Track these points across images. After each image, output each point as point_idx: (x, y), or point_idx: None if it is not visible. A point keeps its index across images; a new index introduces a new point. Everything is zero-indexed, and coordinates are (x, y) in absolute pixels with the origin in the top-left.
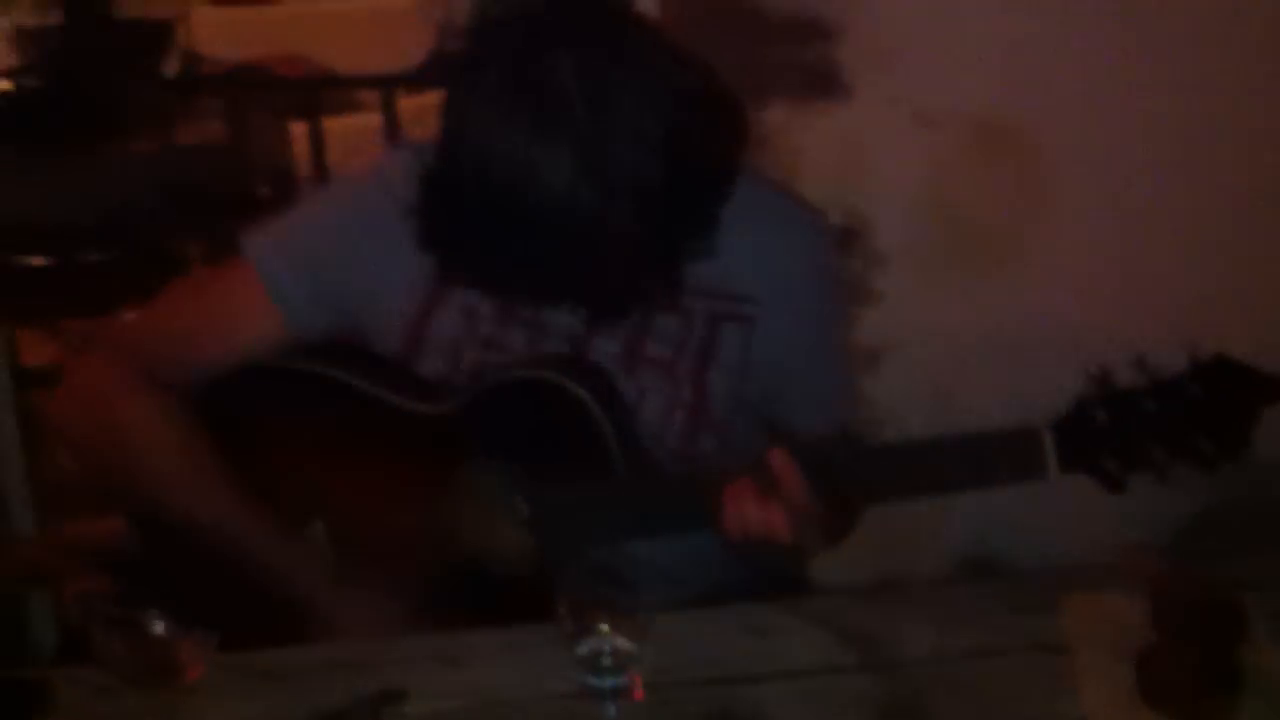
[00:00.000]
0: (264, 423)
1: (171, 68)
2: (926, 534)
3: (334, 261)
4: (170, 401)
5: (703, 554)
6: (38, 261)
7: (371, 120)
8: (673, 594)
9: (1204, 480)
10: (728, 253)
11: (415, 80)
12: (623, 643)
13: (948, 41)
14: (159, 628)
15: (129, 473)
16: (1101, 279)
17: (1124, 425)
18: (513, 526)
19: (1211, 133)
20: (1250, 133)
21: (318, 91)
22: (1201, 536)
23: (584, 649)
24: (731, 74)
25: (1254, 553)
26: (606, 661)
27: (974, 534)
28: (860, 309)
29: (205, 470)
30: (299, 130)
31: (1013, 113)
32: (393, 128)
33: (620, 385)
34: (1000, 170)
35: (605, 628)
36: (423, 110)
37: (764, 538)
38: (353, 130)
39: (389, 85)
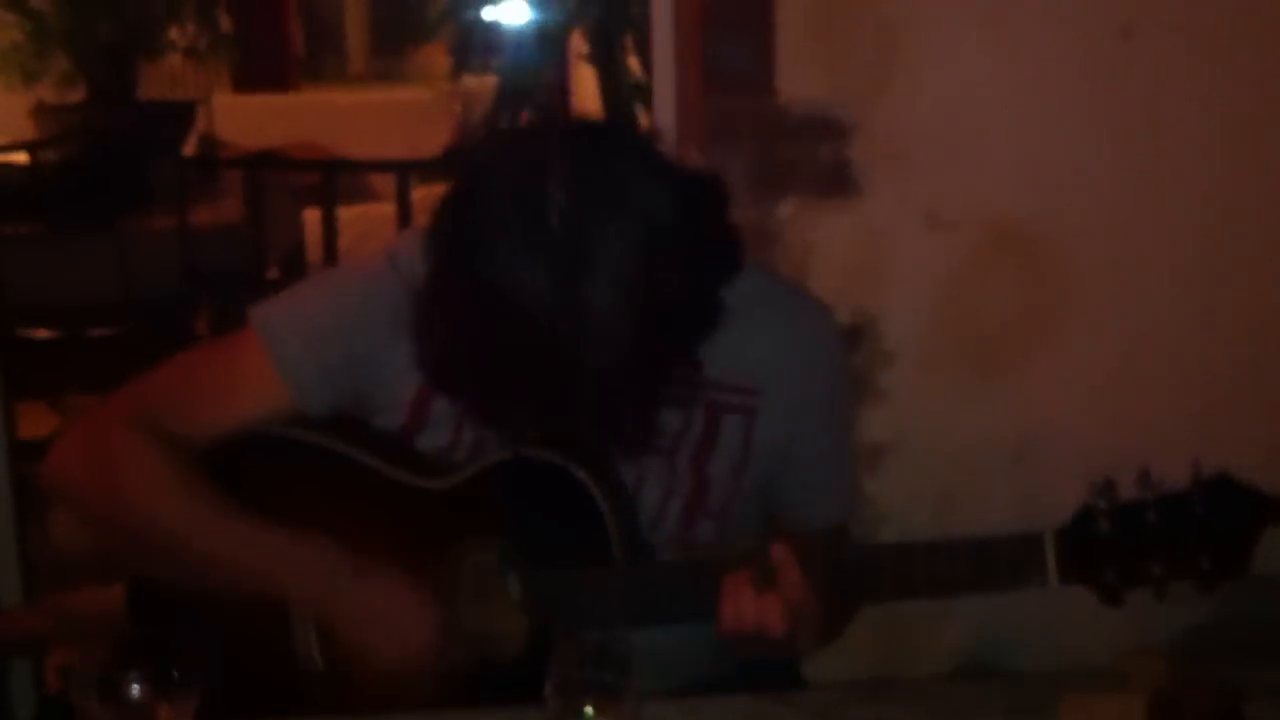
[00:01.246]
0: (258, 491)
1: (190, 150)
2: (924, 634)
3: (341, 337)
4: (172, 449)
5: (697, 642)
6: (42, 334)
7: (384, 209)
8: (664, 681)
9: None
10: (731, 344)
11: (430, 168)
12: None
13: (962, 144)
14: (136, 690)
15: (131, 520)
16: (1111, 387)
17: (1126, 538)
18: (507, 606)
19: (1231, 240)
20: (1268, 243)
21: (334, 177)
22: (1201, 645)
23: None
24: (746, 170)
25: (1253, 665)
26: None
27: (972, 635)
28: (865, 407)
29: (208, 502)
30: (311, 216)
31: (1026, 217)
32: (406, 215)
33: (620, 470)
34: (1012, 273)
35: (590, 711)
36: (435, 199)
37: (758, 632)
38: (365, 218)
39: (404, 170)
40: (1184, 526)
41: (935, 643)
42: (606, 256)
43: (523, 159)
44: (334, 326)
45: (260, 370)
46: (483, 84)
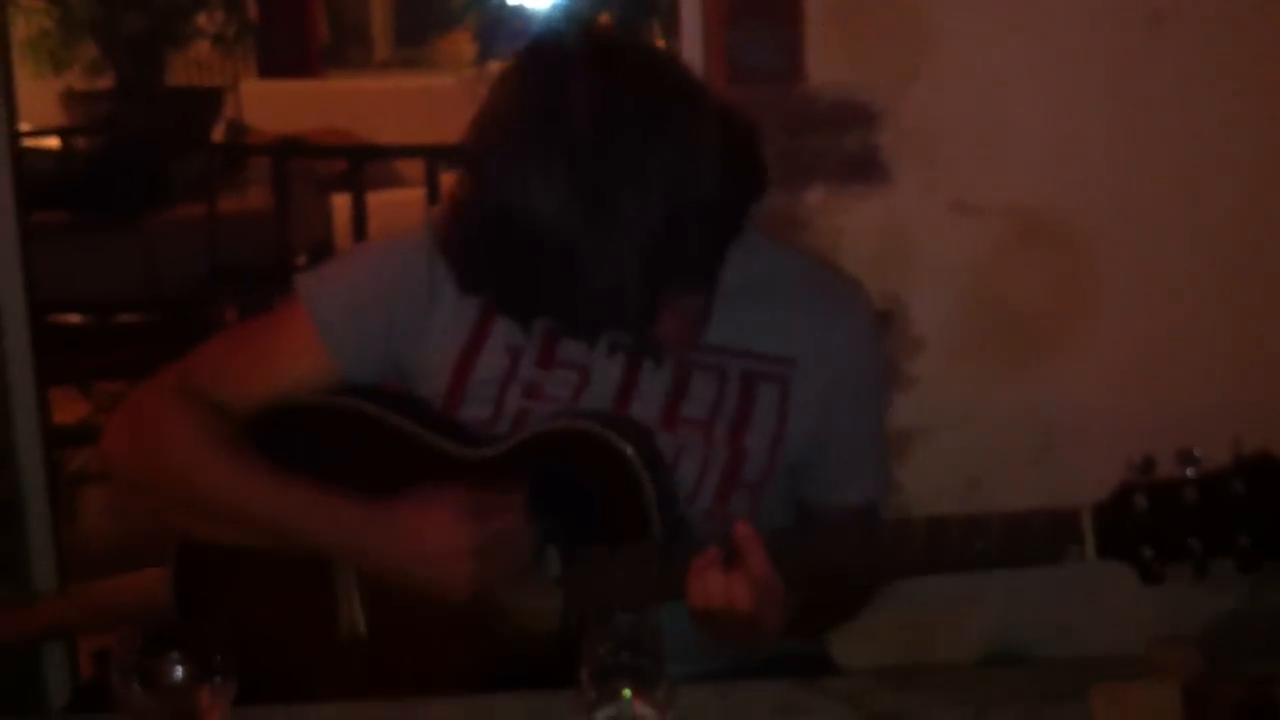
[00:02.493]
0: (300, 458)
1: (218, 136)
2: (950, 622)
3: (382, 304)
4: (213, 411)
5: None
6: (74, 319)
7: (411, 195)
8: (696, 665)
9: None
10: (768, 317)
11: (458, 153)
12: (645, 711)
13: (990, 132)
14: (178, 673)
15: (172, 478)
16: (1140, 375)
17: (1164, 515)
18: (544, 582)
19: (1259, 229)
20: None
21: (361, 164)
22: (1232, 636)
23: (604, 716)
24: (774, 158)
25: None
26: None
27: (998, 624)
28: (894, 393)
29: (243, 458)
30: (339, 203)
31: (1054, 204)
32: (435, 200)
33: (659, 442)
34: (1040, 260)
35: (628, 694)
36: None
37: (725, 608)
38: (393, 204)
39: (433, 156)
40: (1223, 504)
41: (961, 631)
42: (634, 166)
43: (553, 73)
44: (375, 293)
45: (305, 337)
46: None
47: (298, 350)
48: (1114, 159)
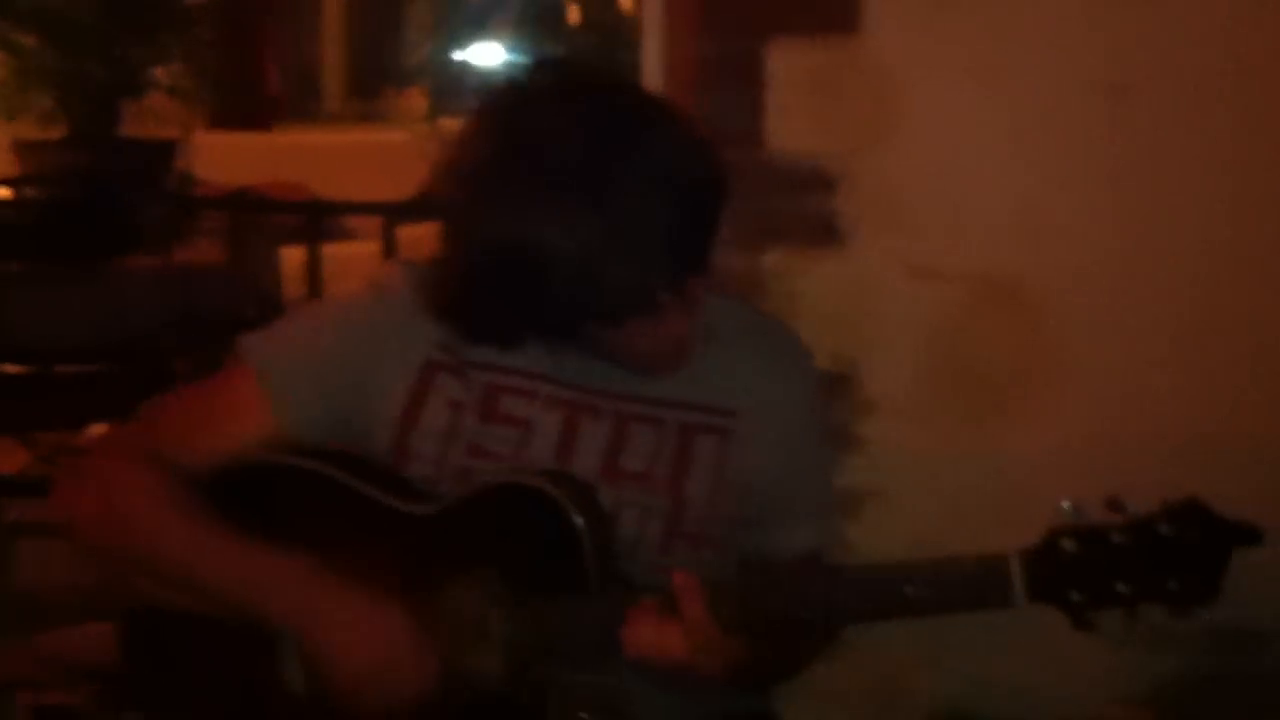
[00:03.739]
0: (250, 517)
1: (171, 188)
2: (907, 684)
3: (326, 363)
4: (167, 472)
5: (673, 689)
6: (12, 370)
7: (362, 248)
8: None
9: (1190, 642)
10: (708, 367)
11: (415, 211)
12: None
13: (949, 198)
14: None
15: (135, 546)
16: (1095, 443)
17: (1092, 559)
18: (489, 642)
19: (1217, 300)
20: (1258, 300)
21: (318, 218)
22: (1184, 699)
23: None
24: (733, 219)
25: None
26: None
27: (957, 686)
28: (846, 455)
29: (205, 526)
30: (289, 255)
31: (1012, 271)
32: (391, 256)
33: (600, 496)
34: (997, 326)
35: None
36: (419, 240)
37: (659, 658)
38: (346, 258)
39: (389, 213)
40: (1151, 548)
41: (917, 693)
42: (631, 161)
43: (531, 101)
44: (319, 352)
45: (250, 398)
46: (459, 125)
47: (243, 410)
48: (1072, 226)
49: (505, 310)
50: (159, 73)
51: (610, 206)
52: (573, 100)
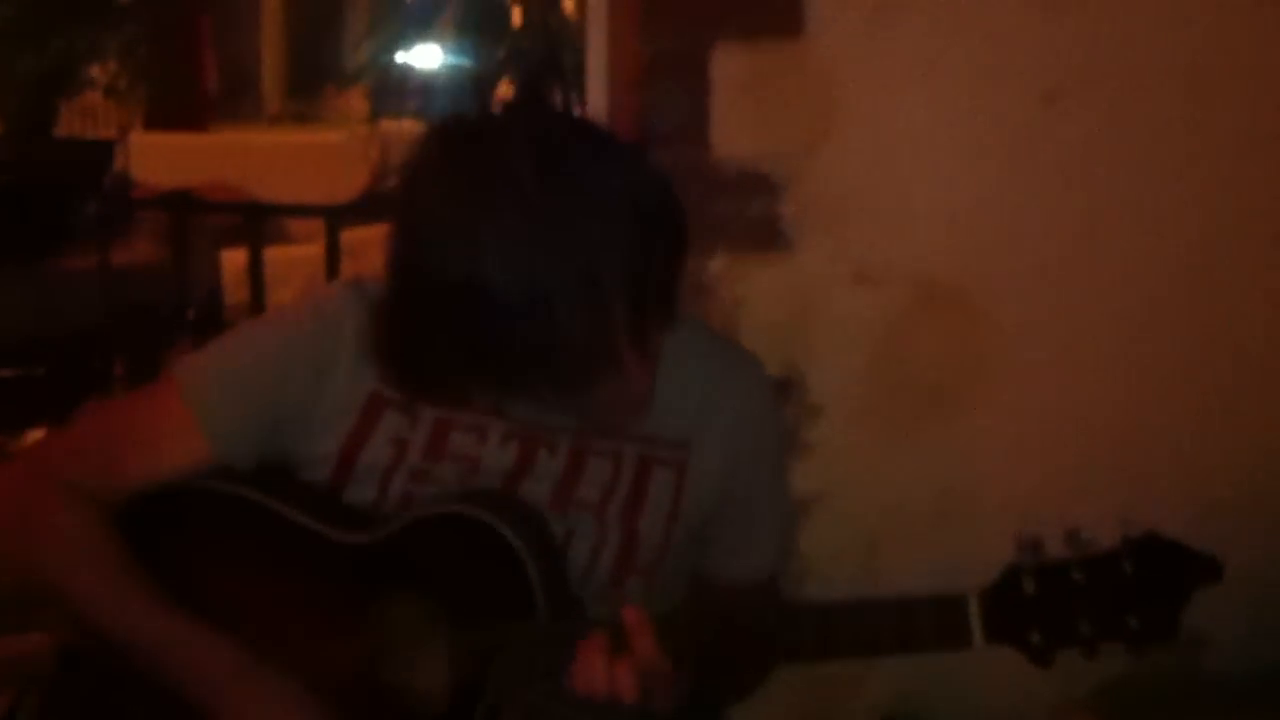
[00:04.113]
0: (178, 545)
1: (108, 188)
2: (847, 688)
3: (262, 388)
4: (90, 513)
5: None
6: None
7: (301, 251)
8: None
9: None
10: (663, 396)
11: (357, 212)
12: None
13: (891, 202)
14: None
15: (43, 582)
16: (1037, 444)
17: (1052, 598)
18: (430, 664)
19: (1151, 301)
20: (1192, 302)
21: (260, 220)
22: (1123, 696)
23: None
24: None
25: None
26: None
27: (895, 690)
28: (792, 460)
29: (119, 580)
30: (230, 258)
31: (953, 274)
32: (335, 260)
33: (550, 525)
34: (940, 330)
35: None
36: (359, 243)
37: (610, 697)
38: (282, 260)
39: (332, 215)
40: (1112, 586)
41: (858, 698)
42: (572, 239)
43: (488, 150)
44: (254, 377)
45: (180, 423)
46: (400, 127)
47: (172, 435)
48: (1010, 230)
49: (457, 367)
50: (95, 71)
51: (566, 248)
52: (527, 137)
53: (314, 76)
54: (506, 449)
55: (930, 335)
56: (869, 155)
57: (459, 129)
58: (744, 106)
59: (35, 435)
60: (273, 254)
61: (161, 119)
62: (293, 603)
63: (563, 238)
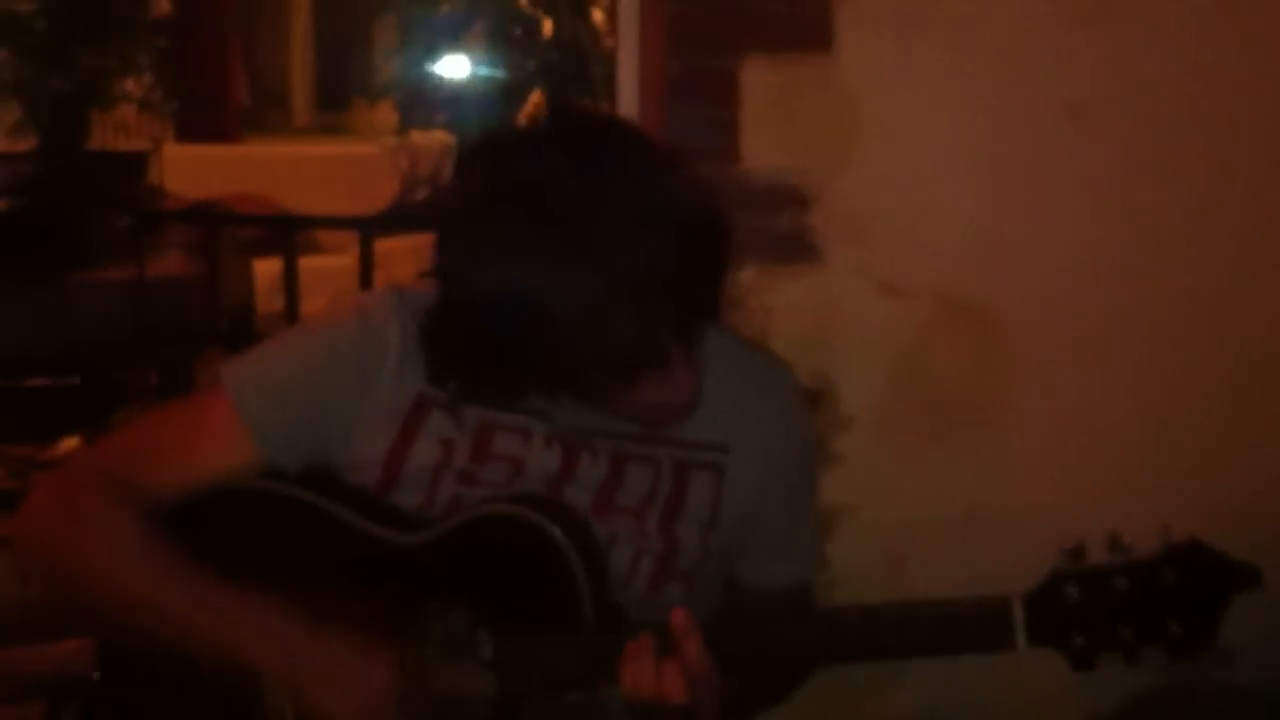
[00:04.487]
0: (227, 547)
1: (140, 200)
2: (874, 699)
3: (308, 393)
4: (139, 509)
5: None
6: None
7: (332, 262)
8: None
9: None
10: (699, 405)
11: (387, 223)
12: None
13: (919, 216)
14: None
15: (95, 583)
16: (1065, 456)
17: (1095, 603)
18: (476, 668)
19: (1178, 316)
20: (1218, 316)
21: (292, 232)
22: (1153, 712)
23: None
24: None
25: None
26: None
27: (927, 702)
28: (822, 470)
29: (171, 567)
30: (261, 268)
31: (978, 288)
32: (368, 270)
33: (594, 531)
34: (967, 342)
35: None
36: (389, 253)
37: (656, 700)
38: (313, 271)
39: (365, 227)
40: (1154, 592)
41: (888, 711)
42: (616, 249)
43: (530, 165)
44: (301, 382)
45: (227, 426)
46: (428, 138)
47: (219, 438)
48: (1036, 244)
49: (507, 368)
50: (128, 85)
51: (614, 256)
52: (571, 147)
53: (343, 89)
54: (551, 452)
55: (956, 347)
56: (896, 169)
57: (501, 143)
58: (773, 120)
59: (68, 444)
60: (303, 265)
61: (192, 132)
62: (345, 603)
63: (607, 248)
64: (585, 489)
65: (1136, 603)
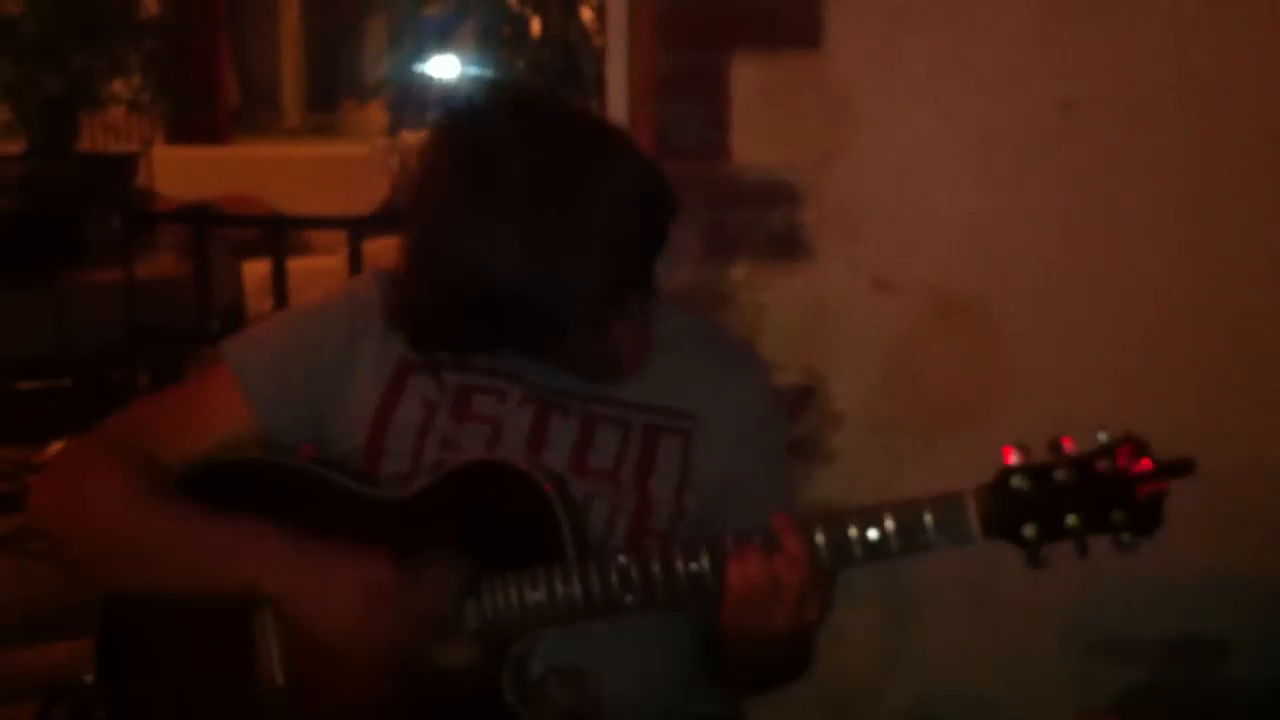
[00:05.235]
0: (217, 502)
1: (131, 201)
2: (867, 694)
3: (300, 357)
4: (131, 458)
5: (649, 691)
6: None
7: (323, 263)
8: None
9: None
10: (670, 373)
11: (377, 224)
12: None
13: (910, 212)
14: None
15: (99, 525)
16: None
17: (1041, 494)
18: (460, 626)
19: (1168, 310)
20: (1208, 310)
21: (282, 232)
22: (1146, 706)
23: None
24: (698, 233)
25: None
26: None
27: (919, 695)
28: (815, 466)
29: (166, 498)
30: (250, 270)
31: (970, 283)
32: (356, 269)
33: (570, 487)
34: (959, 338)
35: None
36: (381, 254)
37: (773, 590)
38: (304, 272)
39: (354, 227)
40: (1095, 482)
41: (880, 703)
42: (565, 224)
43: (484, 118)
44: (296, 350)
45: (228, 395)
46: (419, 138)
47: (219, 406)
48: (1027, 238)
49: (462, 326)
50: (118, 87)
51: (565, 223)
52: (525, 120)
53: (333, 90)
54: (524, 411)
55: (948, 343)
56: (886, 164)
57: (459, 123)
58: (763, 117)
59: (59, 448)
60: (294, 265)
61: (182, 133)
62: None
63: (555, 224)
64: (559, 450)
65: (1080, 492)
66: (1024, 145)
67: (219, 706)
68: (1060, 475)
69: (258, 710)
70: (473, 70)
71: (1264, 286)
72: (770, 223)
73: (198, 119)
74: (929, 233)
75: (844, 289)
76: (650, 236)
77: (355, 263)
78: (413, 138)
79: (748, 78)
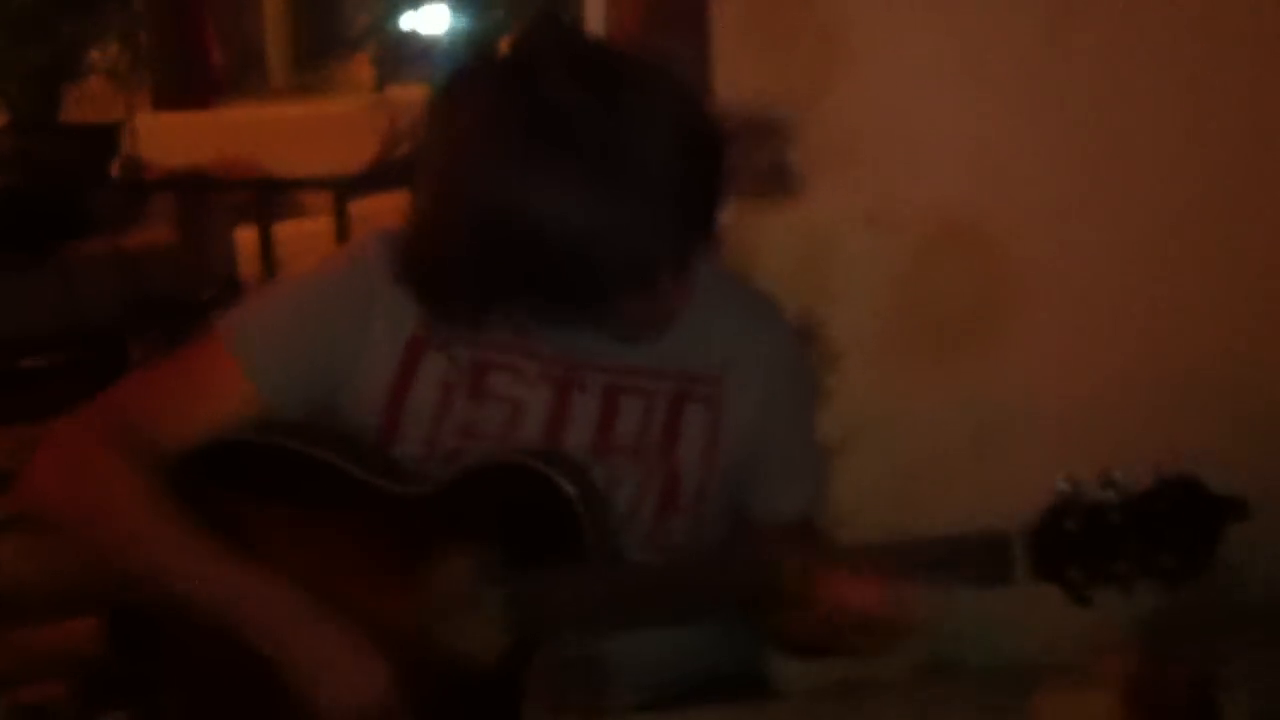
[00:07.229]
0: (232, 500)
1: (114, 172)
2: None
3: (304, 334)
4: (149, 467)
5: (665, 651)
6: None
7: (318, 225)
8: (635, 694)
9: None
10: (686, 333)
11: (365, 183)
12: None
13: (902, 142)
14: None
15: (108, 543)
16: (1065, 377)
17: (1090, 538)
18: (484, 619)
19: (1172, 231)
20: (1212, 230)
21: (269, 195)
22: (1161, 633)
23: None
24: None
25: (1221, 654)
26: None
27: (932, 633)
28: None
29: (180, 532)
30: (244, 235)
31: (968, 212)
32: (344, 232)
33: (594, 479)
34: (957, 269)
35: None
36: (372, 214)
37: (861, 617)
38: (299, 235)
39: (340, 188)
40: (1147, 526)
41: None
42: (624, 171)
43: (530, 84)
44: (296, 323)
45: (227, 373)
46: (408, 94)
47: (220, 386)
48: (1029, 160)
49: (491, 285)
50: (96, 56)
51: (618, 174)
52: (577, 64)
53: (320, 47)
54: (542, 389)
55: (948, 274)
56: (878, 94)
57: (496, 64)
58: (747, 49)
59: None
60: (287, 229)
61: (168, 99)
62: (350, 555)
63: (613, 170)
64: (581, 431)
65: (1130, 536)
66: (1022, 64)
67: (237, 695)
68: (1113, 519)
69: (278, 700)
70: (460, 21)
71: (1271, 197)
72: (759, 159)
73: (183, 83)
74: (924, 162)
75: (838, 224)
76: (713, 184)
77: (341, 223)
78: (400, 93)
79: (729, 8)
